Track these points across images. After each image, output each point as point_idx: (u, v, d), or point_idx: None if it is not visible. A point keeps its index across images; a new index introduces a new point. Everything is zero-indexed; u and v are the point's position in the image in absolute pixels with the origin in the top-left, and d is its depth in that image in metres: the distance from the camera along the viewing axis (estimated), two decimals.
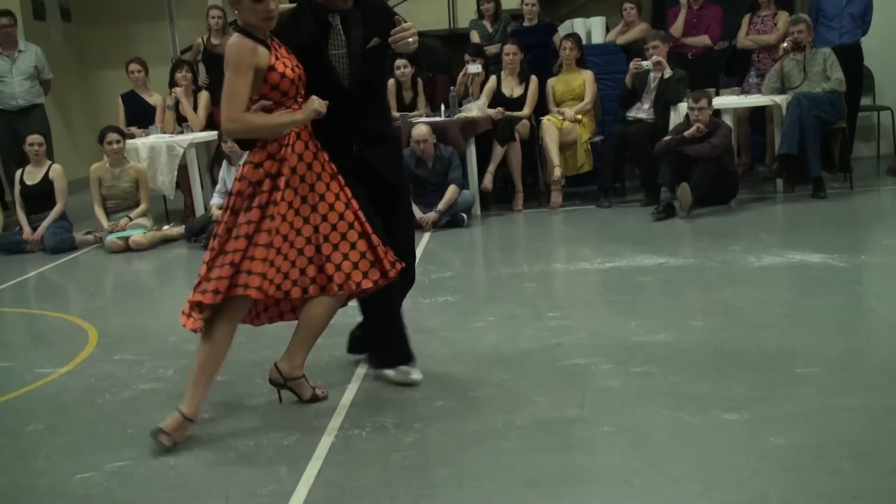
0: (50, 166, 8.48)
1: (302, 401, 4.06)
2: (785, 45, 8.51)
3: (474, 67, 8.79)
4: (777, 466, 3.14)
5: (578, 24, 9.82)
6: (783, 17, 9.01)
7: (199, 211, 8.66)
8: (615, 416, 3.66)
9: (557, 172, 8.55)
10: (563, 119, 8.72)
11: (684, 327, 4.78)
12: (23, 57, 9.42)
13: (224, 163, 8.26)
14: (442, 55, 4.45)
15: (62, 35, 11.69)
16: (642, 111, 8.67)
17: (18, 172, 8.55)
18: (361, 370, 4.43)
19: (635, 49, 9.24)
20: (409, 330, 4.30)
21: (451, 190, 7.95)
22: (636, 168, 8.96)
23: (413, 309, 5.46)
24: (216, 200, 8.19)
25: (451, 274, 6.48)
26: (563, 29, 9.77)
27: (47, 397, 4.51)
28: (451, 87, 8.73)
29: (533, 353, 4.53)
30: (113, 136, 8.25)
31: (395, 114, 8.82)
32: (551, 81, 9.02)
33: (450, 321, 5.20)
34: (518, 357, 4.49)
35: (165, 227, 8.45)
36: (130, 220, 8.18)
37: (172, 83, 9.32)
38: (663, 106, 8.52)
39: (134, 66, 9.37)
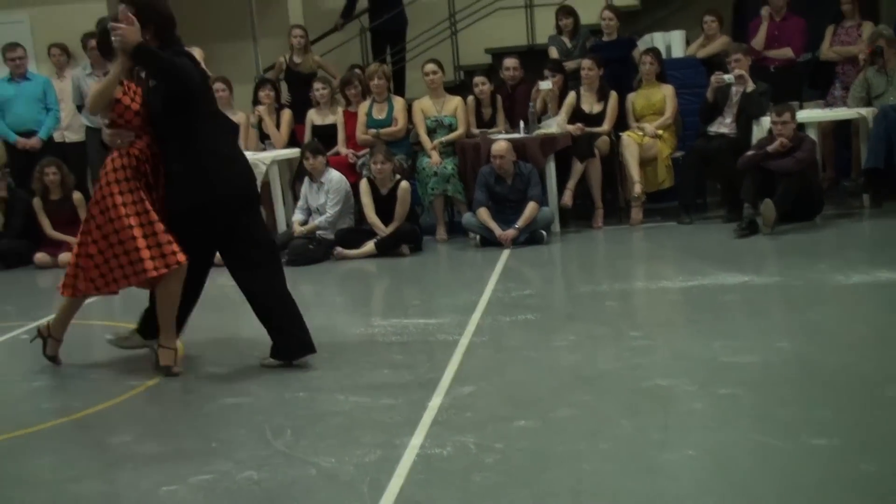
0: None
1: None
2: (862, 56, 8.35)
3: (545, 84, 8.78)
4: (868, 495, 3.06)
5: (658, 39, 9.75)
6: (868, 28, 8.83)
7: (281, 227, 8.77)
8: (699, 440, 3.61)
9: (638, 189, 8.48)
10: (644, 135, 8.65)
11: (770, 348, 4.69)
12: None
13: (306, 179, 8.38)
14: (164, 73, 4.71)
15: None
16: (724, 126, 8.56)
17: None
18: (443, 387, 4.43)
19: (716, 62, 9.13)
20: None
21: (531, 207, 7.93)
22: (718, 184, 8.84)
23: (493, 327, 5.48)
24: (298, 217, 8.31)
25: (531, 292, 6.46)
26: (643, 43, 9.71)
27: (135, 409, 4.62)
28: (530, 104, 8.72)
29: (614, 374, 4.49)
30: None
31: (475, 130, 8.85)
32: (631, 96, 8.96)
33: (530, 340, 5.19)
34: (599, 377, 4.46)
35: None
36: None
37: (256, 101, 9.48)
38: (746, 120, 8.39)
39: (218, 85, 9.50)
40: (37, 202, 8.96)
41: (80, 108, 9.72)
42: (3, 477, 3.82)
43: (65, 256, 8.65)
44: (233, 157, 5.02)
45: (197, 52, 5.16)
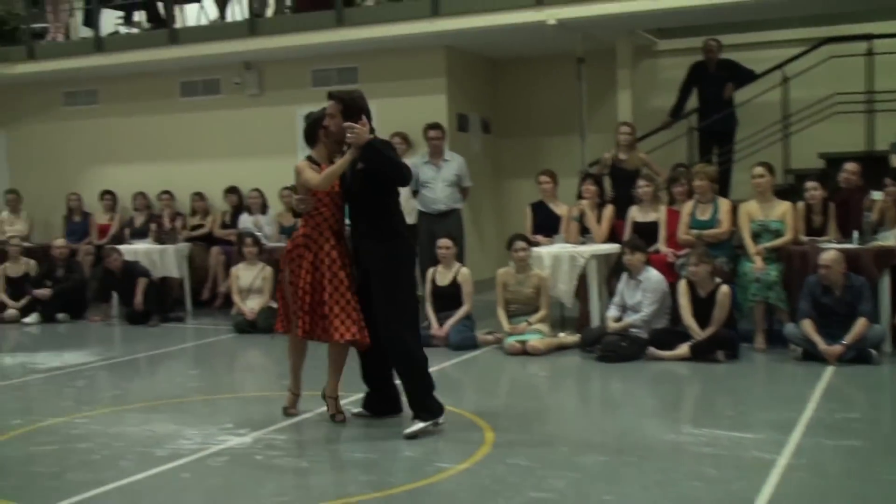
0: (459, 269, 9.03)
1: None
2: None
3: (877, 194, 8.29)
4: None
5: None
6: None
7: (595, 321, 8.80)
8: None
9: None
10: None
11: None
12: (447, 166, 10.22)
13: (623, 276, 8.37)
14: (390, 167, 5.66)
15: (481, 146, 12.56)
16: None
17: (430, 272, 9.19)
18: None
19: None
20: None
21: (861, 323, 7.46)
22: None
23: (813, 450, 5.18)
24: (612, 312, 8.30)
25: (858, 415, 6.05)
26: None
27: (445, 492, 4.75)
28: (866, 213, 8.26)
29: None
30: (520, 243, 8.65)
31: (803, 238, 8.48)
32: None
33: (855, 469, 4.84)
34: None
35: (561, 335, 8.69)
36: (529, 324, 8.48)
37: (579, 195, 9.65)
38: None
39: (543, 178, 9.82)
40: None
41: (415, 193, 10.34)
42: None
43: None
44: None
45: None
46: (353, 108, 5.69)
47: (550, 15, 10.25)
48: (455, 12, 10.70)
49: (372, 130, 5.68)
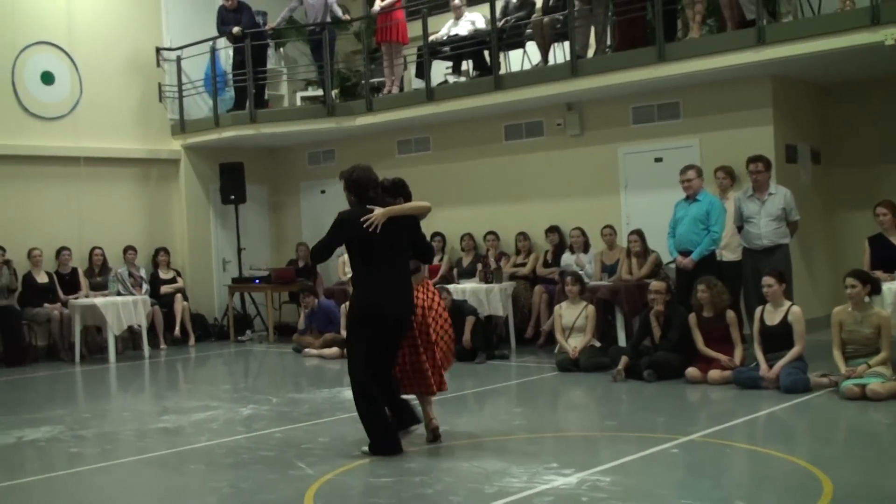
0: (789, 308, 8.62)
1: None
2: None
3: None
4: None
5: None
6: None
7: None
8: None
9: None
10: None
11: None
12: (772, 199, 9.82)
13: None
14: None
15: (811, 177, 11.96)
16: None
17: (758, 311, 8.84)
18: None
19: None
20: None
21: None
22: None
23: None
24: None
25: None
26: None
27: None
28: None
29: None
30: (850, 280, 8.10)
31: None
32: None
33: None
34: None
35: None
36: (869, 367, 7.93)
37: None
38: None
39: (882, 209, 9.21)
40: (692, 318, 9.33)
41: (739, 229, 10.02)
42: None
43: (714, 373, 8.88)
44: (384, 289, 6.52)
45: (412, 206, 6.83)
46: (349, 184, 6.65)
47: (888, 34, 9.58)
48: (782, 39, 10.27)
49: (364, 198, 6.59)
